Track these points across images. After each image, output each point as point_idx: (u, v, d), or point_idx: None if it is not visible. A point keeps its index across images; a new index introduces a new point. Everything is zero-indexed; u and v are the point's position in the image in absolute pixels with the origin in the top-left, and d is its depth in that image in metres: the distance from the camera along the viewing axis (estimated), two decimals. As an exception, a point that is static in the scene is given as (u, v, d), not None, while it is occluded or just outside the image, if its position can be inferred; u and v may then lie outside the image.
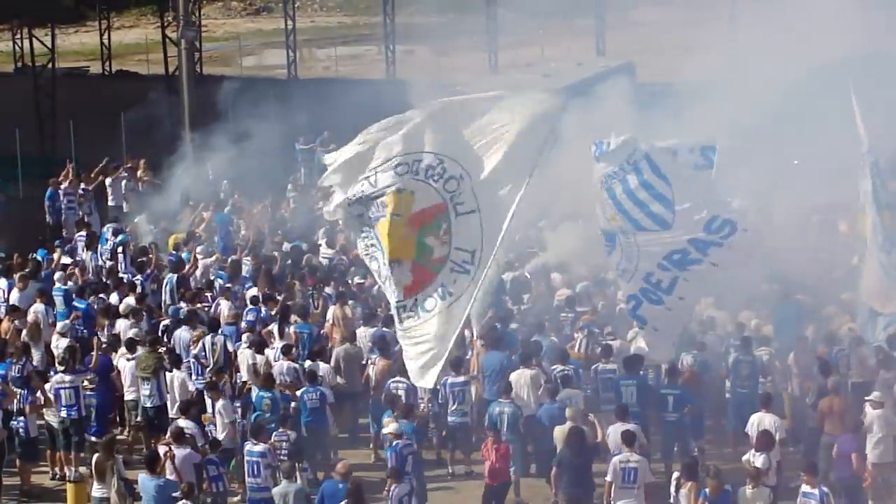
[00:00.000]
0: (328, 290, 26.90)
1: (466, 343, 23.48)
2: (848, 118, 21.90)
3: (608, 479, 19.39)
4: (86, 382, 22.80)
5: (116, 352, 23.91)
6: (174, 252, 29.48)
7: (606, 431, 20.55)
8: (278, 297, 26.00)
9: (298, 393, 22.31)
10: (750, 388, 22.58)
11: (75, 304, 26.54)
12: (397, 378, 22.28)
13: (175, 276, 27.60)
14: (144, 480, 19.47)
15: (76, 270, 28.53)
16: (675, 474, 19.27)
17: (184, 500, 18.83)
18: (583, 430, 20.08)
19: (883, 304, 21.97)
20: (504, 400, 21.56)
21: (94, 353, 23.63)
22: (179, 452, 19.95)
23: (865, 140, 21.51)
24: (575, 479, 19.78)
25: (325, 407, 22.30)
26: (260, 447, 20.18)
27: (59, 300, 27.04)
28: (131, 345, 23.67)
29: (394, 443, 20.26)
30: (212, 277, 28.15)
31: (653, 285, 20.28)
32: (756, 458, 19.64)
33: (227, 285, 26.88)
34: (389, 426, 20.68)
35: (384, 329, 24.10)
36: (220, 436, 21.45)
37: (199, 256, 29.04)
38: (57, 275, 27.92)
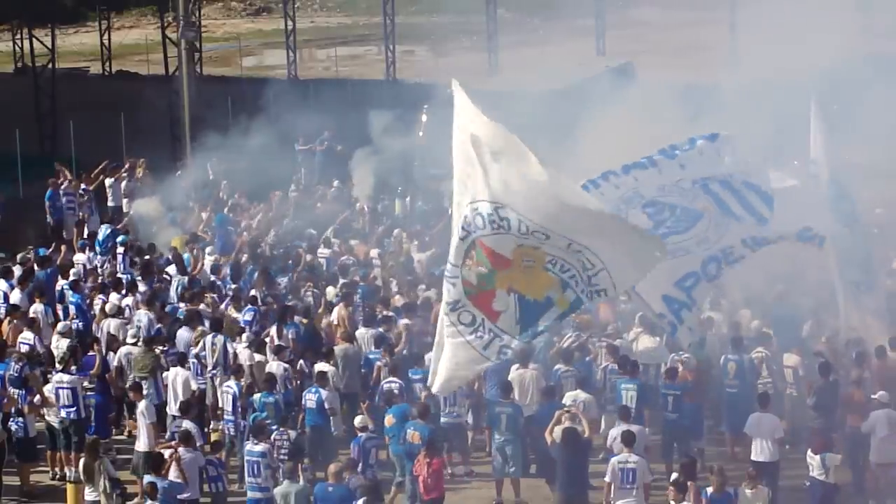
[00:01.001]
0: (331, 290, 26.89)
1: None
2: (847, 119, 21.86)
3: (607, 479, 19.34)
4: (85, 383, 22.80)
5: (114, 352, 23.94)
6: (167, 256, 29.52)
7: (610, 433, 20.53)
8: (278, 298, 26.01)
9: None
10: (739, 387, 22.53)
11: (69, 298, 26.59)
12: (390, 378, 22.35)
13: (185, 277, 27.58)
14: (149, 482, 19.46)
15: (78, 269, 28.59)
16: (674, 475, 19.26)
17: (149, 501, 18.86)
18: (577, 430, 20.04)
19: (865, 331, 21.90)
20: (505, 400, 21.58)
21: (91, 352, 23.59)
22: (187, 455, 19.94)
23: (821, 160, 21.34)
24: (570, 479, 19.78)
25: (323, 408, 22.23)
26: (260, 447, 20.15)
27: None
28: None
29: (358, 435, 20.39)
30: (212, 279, 28.12)
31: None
32: (827, 459, 19.61)
33: (233, 286, 26.89)
34: (357, 419, 20.83)
35: (380, 330, 24.18)
36: (142, 438, 21.49)
37: (209, 256, 29.03)
38: (73, 270, 27.94)
